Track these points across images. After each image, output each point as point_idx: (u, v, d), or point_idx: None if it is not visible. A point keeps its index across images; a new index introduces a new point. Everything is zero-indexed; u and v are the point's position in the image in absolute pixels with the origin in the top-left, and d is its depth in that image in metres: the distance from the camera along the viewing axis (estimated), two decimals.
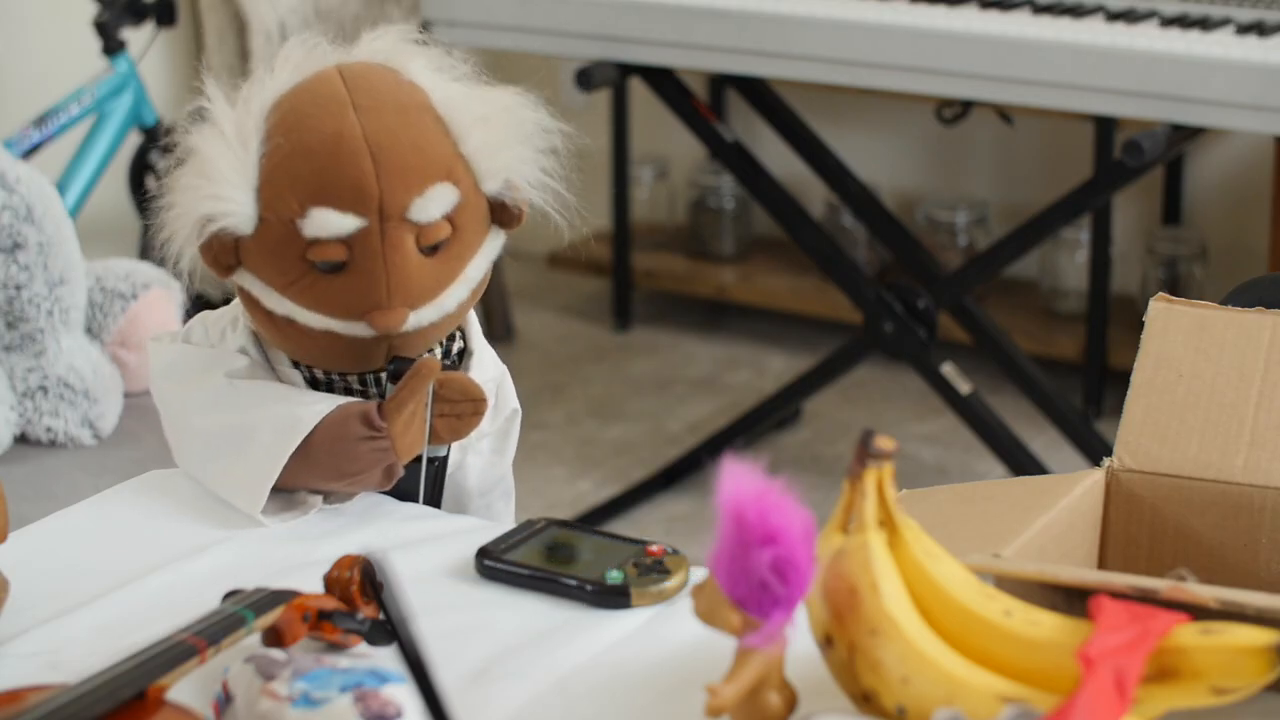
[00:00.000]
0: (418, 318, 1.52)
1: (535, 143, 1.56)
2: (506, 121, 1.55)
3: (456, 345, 1.63)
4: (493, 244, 1.58)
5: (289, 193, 1.49)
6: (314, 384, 1.59)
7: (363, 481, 1.54)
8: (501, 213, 1.56)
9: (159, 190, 1.55)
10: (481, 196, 1.54)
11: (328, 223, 1.48)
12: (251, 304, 1.55)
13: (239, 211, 1.49)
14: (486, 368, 1.63)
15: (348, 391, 1.58)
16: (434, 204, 1.50)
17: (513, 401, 1.67)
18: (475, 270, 1.56)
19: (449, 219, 1.52)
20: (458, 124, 1.53)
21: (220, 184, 1.49)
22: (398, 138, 1.50)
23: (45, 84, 3.58)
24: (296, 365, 1.59)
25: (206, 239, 1.50)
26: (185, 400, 1.58)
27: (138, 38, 3.45)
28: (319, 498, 1.56)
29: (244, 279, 1.53)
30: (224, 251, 1.51)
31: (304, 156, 1.49)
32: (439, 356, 1.59)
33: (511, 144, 1.54)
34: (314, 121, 1.50)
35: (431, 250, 1.52)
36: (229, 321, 1.62)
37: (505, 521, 1.66)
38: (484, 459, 1.67)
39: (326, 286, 1.50)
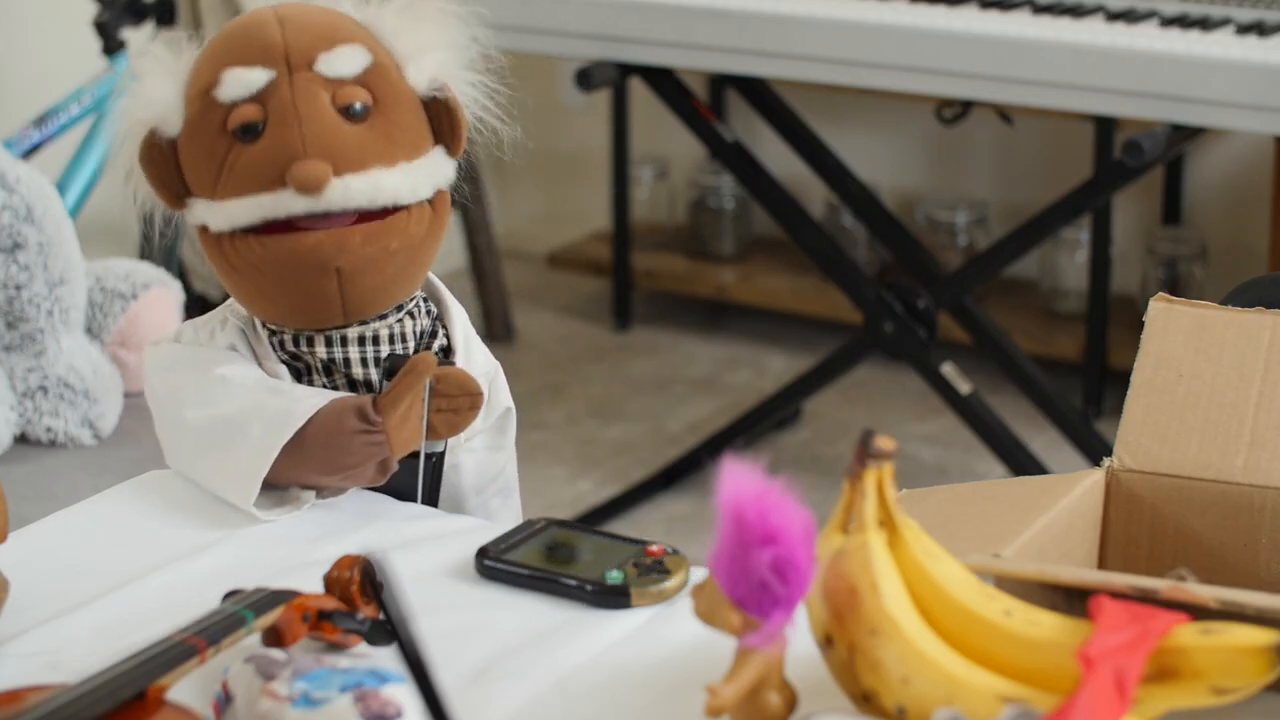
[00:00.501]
0: (345, 186, 1.51)
1: (466, 53, 1.58)
2: (427, 26, 1.58)
3: (439, 343, 1.63)
4: (439, 162, 1.58)
5: (206, 68, 1.55)
6: (298, 378, 1.59)
7: (356, 476, 1.54)
8: (438, 119, 1.57)
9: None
10: (406, 85, 1.56)
11: (239, 79, 1.52)
12: (206, 240, 1.57)
13: (165, 103, 1.54)
14: (477, 364, 1.64)
15: (349, 382, 1.58)
16: (344, 59, 1.54)
17: (506, 399, 1.67)
18: (419, 175, 1.55)
19: (365, 85, 1.54)
20: (378, 26, 1.58)
21: (150, 88, 1.55)
22: (309, 13, 1.56)
23: (45, 84, 3.58)
24: (282, 360, 1.59)
25: (144, 144, 1.55)
26: (178, 396, 1.58)
27: (138, 38, 3.44)
28: (311, 493, 1.56)
29: (192, 208, 1.56)
30: (162, 159, 1.55)
31: (221, 39, 1.57)
32: (412, 347, 1.60)
33: (437, 45, 1.57)
34: (235, 21, 1.59)
35: (352, 116, 1.53)
36: (218, 322, 1.62)
37: (505, 519, 1.67)
38: (478, 457, 1.67)
39: (250, 156, 1.52)
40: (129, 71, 1.60)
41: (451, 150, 1.59)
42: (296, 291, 1.54)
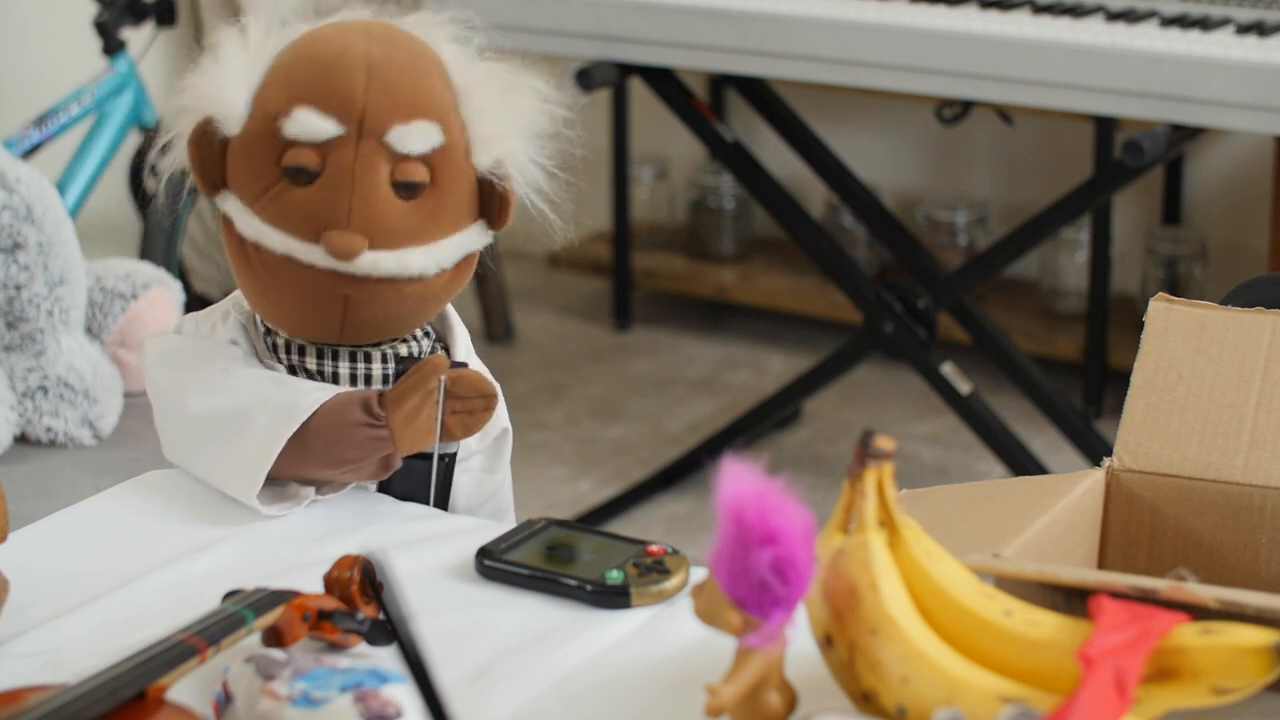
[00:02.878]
0: (374, 260, 1.51)
1: (539, 141, 1.56)
2: (515, 109, 1.55)
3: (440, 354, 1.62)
4: (474, 236, 1.57)
5: (280, 92, 1.52)
6: (293, 374, 1.59)
7: (358, 470, 1.53)
8: (489, 198, 1.55)
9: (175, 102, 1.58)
10: (469, 164, 1.54)
11: (307, 123, 1.50)
12: (228, 231, 1.56)
13: (231, 109, 1.52)
14: None
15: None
16: (416, 137, 1.51)
17: (503, 420, 1.66)
18: (449, 250, 1.55)
19: (429, 164, 1.52)
20: (466, 91, 1.55)
21: (222, 77, 1.52)
22: (400, 67, 1.52)
23: (45, 84, 3.58)
24: (279, 359, 1.59)
25: (197, 130, 1.53)
26: (180, 387, 1.58)
27: (138, 38, 3.44)
28: (311, 490, 1.56)
29: (225, 200, 1.55)
30: (209, 151, 1.53)
31: (304, 63, 1.53)
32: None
33: (513, 131, 1.55)
34: (325, 42, 1.54)
35: (406, 192, 1.52)
36: (219, 316, 1.62)
37: None
38: (473, 477, 1.66)
39: (293, 198, 1.51)
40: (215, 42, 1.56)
41: (494, 226, 1.58)
42: (301, 304, 1.55)
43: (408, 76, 1.52)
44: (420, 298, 1.56)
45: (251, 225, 1.53)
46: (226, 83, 1.53)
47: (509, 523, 1.70)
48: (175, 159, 1.57)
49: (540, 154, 1.57)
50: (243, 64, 1.53)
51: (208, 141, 1.54)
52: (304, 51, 1.54)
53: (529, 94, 1.56)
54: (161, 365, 1.61)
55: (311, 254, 1.51)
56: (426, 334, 1.63)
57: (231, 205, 1.55)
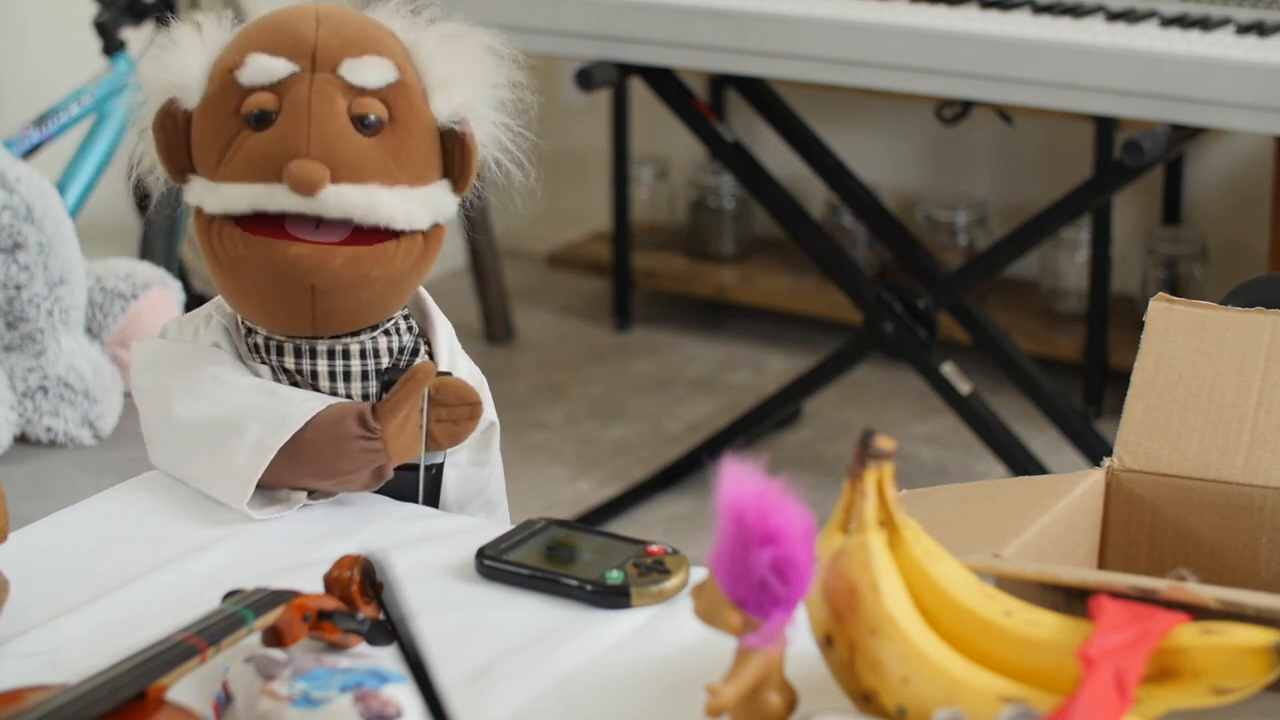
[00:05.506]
0: (339, 193, 1.50)
1: (496, 94, 1.57)
2: (465, 56, 1.56)
3: (421, 359, 1.61)
4: (441, 196, 1.57)
5: (235, 49, 1.55)
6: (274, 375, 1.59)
7: (351, 482, 1.53)
8: (451, 152, 1.56)
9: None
10: (428, 111, 1.55)
11: (261, 66, 1.52)
12: (198, 223, 1.57)
13: (190, 74, 1.54)
14: (463, 377, 1.62)
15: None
16: (370, 70, 1.53)
17: (490, 414, 1.65)
18: (416, 204, 1.54)
19: (385, 100, 1.53)
20: (415, 45, 1.56)
21: (179, 55, 1.55)
22: (349, 17, 1.55)
23: (45, 84, 3.58)
24: (262, 359, 1.59)
25: (160, 112, 1.55)
26: (168, 393, 1.57)
27: (138, 38, 3.44)
28: (302, 494, 1.56)
29: (192, 186, 1.56)
30: (174, 131, 1.55)
31: (256, 25, 1.56)
32: (385, 363, 1.59)
33: (465, 77, 1.56)
34: (277, 10, 1.57)
35: (364, 127, 1.52)
36: (201, 320, 1.62)
37: None
38: (461, 471, 1.66)
39: (255, 144, 1.52)
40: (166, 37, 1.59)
41: (458, 186, 1.58)
42: (270, 296, 1.54)
43: (357, 23, 1.55)
44: (388, 281, 1.55)
45: (216, 196, 1.53)
46: (184, 60, 1.55)
47: (500, 515, 1.71)
48: (148, 152, 1.58)
49: (499, 109, 1.57)
50: (199, 43, 1.56)
51: (171, 121, 1.55)
52: (256, 21, 1.58)
53: (478, 46, 1.57)
54: (148, 371, 1.61)
55: (276, 197, 1.50)
56: (410, 328, 1.62)
57: (198, 185, 1.55)
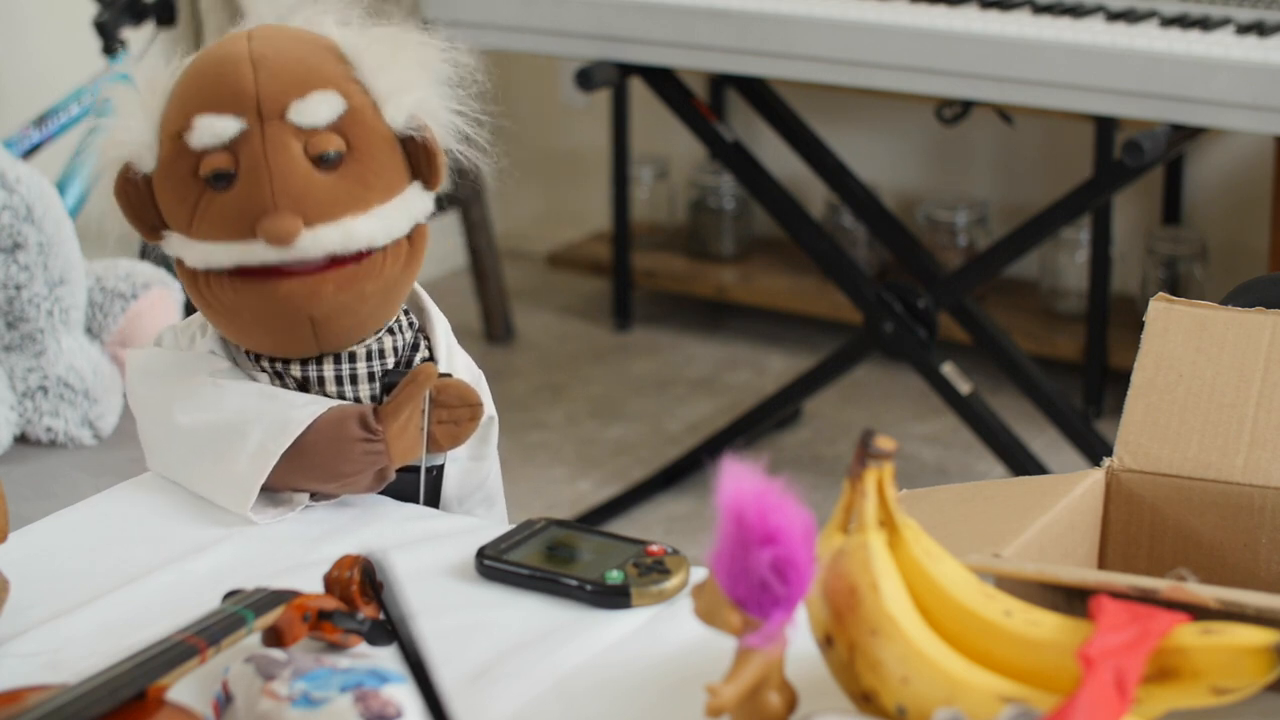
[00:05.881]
0: (315, 236, 1.50)
1: (448, 89, 1.56)
2: (409, 60, 1.55)
3: (420, 355, 1.62)
4: (415, 199, 1.56)
5: (178, 112, 1.53)
6: (279, 380, 1.59)
7: (353, 484, 1.53)
8: (415, 155, 1.55)
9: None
10: (383, 124, 1.54)
11: (208, 127, 1.51)
12: (182, 272, 1.57)
13: (139, 142, 1.54)
14: (460, 373, 1.62)
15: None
16: (316, 107, 1.51)
17: (489, 408, 1.66)
18: (394, 216, 1.54)
19: (339, 132, 1.52)
20: (357, 57, 1.55)
21: (124, 122, 1.54)
22: (283, 52, 1.54)
23: (45, 84, 3.58)
24: (262, 367, 1.59)
25: (118, 180, 1.55)
26: (166, 400, 1.57)
27: (138, 38, 3.44)
28: (304, 496, 1.56)
29: (169, 241, 1.56)
30: (137, 195, 1.55)
31: (192, 78, 1.55)
32: (390, 362, 1.58)
33: (414, 81, 1.55)
34: (208, 55, 1.56)
35: (324, 164, 1.51)
36: (198, 327, 1.63)
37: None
38: (461, 466, 1.66)
39: (222, 205, 1.51)
40: (105, 97, 1.58)
41: (429, 185, 1.57)
42: (271, 332, 1.55)
43: (294, 57, 1.54)
44: (384, 291, 1.55)
45: (196, 251, 1.54)
46: (129, 126, 1.54)
47: (499, 509, 1.71)
48: (118, 221, 1.58)
49: (453, 102, 1.57)
50: (139, 105, 1.55)
51: (132, 186, 1.55)
52: (191, 69, 1.56)
53: (420, 45, 1.56)
54: (145, 379, 1.61)
55: (257, 253, 1.51)
56: (410, 324, 1.62)
57: (175, 242, 1.56)
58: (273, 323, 1.53)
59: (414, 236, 1.57)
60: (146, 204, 1.56)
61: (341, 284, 1.52)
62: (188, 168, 1.52)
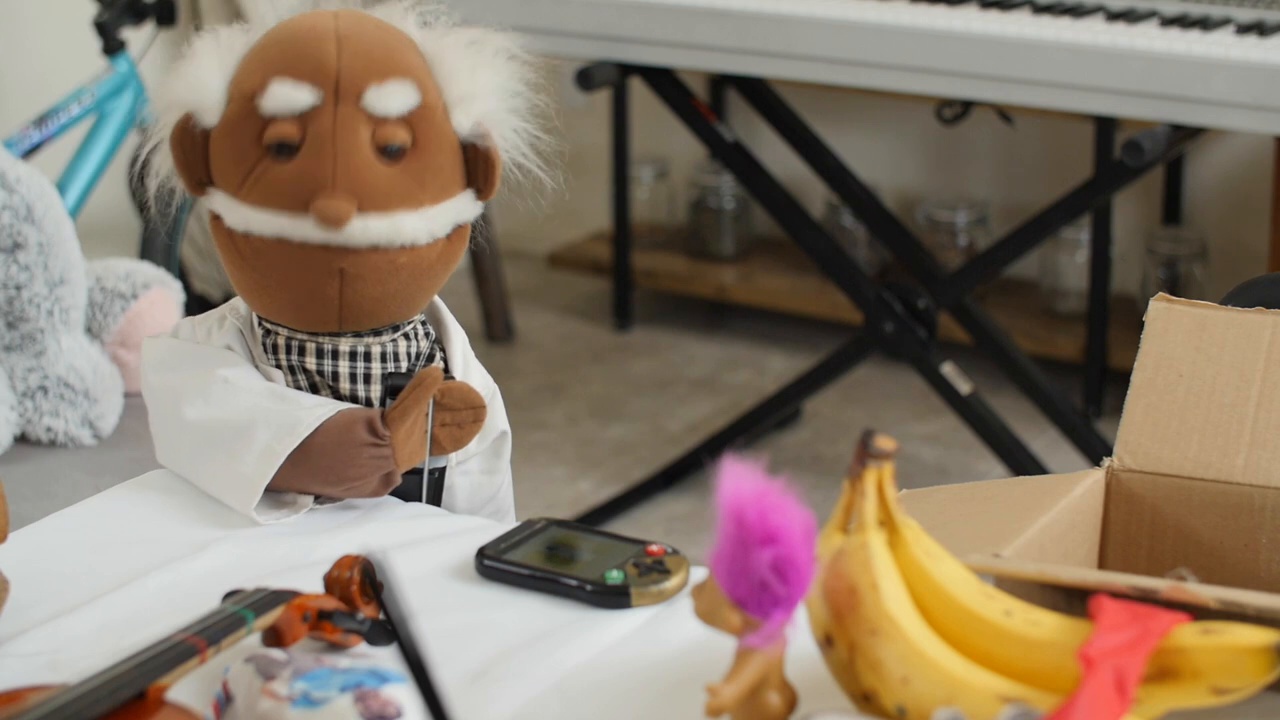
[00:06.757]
0: (365, 225, 1.50)
1: (516, 103, 1.56)
2: (485, 67, 1.55)
3: (436, 365, 1.61)
4: (464, 204, 1.56)
5: (254, 73, 1.52)
6: (296, 386, 1.59)
7: (359, 488, 1.53)
8: (474, 164, 1.55)
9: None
10: (449, 128, 1.54)
11: (284, 95, 1.50)
12: (217, 229, 1.56)
13: (209, 97, 1.52)
14: (476, 386, 1.62)
15: (336, 397, 1.58)
16: (393, 96, 1.51)
17: (502, 423, 1.65)
18: (440, 217, 1.54)
19: (409, 125, 1.52)
20: (435, 57, 1.55)
21: (197, 71, 1.53)
22: (369, 34, 1.53)
23: (45, 84, 3.58)
24: (277, 362, 1.58)
25: (177, 128, 1.54)
26: (177, 393, 1.57)
27: (138, 38, 3.44)
28: (309, 498, 1.56)
29: (212, 198, 1.55)
30: (192, 147, 1.54)
31: (275, 44, 1.54)
32: (404, 368, 1.58)
33: (486, 90, 1.55)
34: (294, 24, 1.55)
35: (388, 155, 1.51)
36: (215, 321, 1.62)
37: None
38: (472, 479, 1.66)
39: (278, 175, 1.51)
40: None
41: (482, 195, 1.57)
42: (298, 287, 1.53)
43: (378, 41, 1.53)
44: (415, 270, 1.54)
45: (239, 214, 1.53)
46: (201, 76, 1.53)
47: (508, 522, 1.70)
48: (163, 163, 1.57)
49: (520, 117, 1.57)
50: (216, 58, 1.54)
51: (189, 138, 1.54)
52: (274, 35, 1.55)
53: (495, 52, 1.56)
54: (159, 369, 1.61)
55: (302, 229, 1.50)
56: (427, 334, 1.62)
57: (218, 200, 1.55)
58: (303, 274, 1.52)
59: (453, 235, 1.57)
60: (199, 158, 1.54)
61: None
62: (253, 131, 1.51)
